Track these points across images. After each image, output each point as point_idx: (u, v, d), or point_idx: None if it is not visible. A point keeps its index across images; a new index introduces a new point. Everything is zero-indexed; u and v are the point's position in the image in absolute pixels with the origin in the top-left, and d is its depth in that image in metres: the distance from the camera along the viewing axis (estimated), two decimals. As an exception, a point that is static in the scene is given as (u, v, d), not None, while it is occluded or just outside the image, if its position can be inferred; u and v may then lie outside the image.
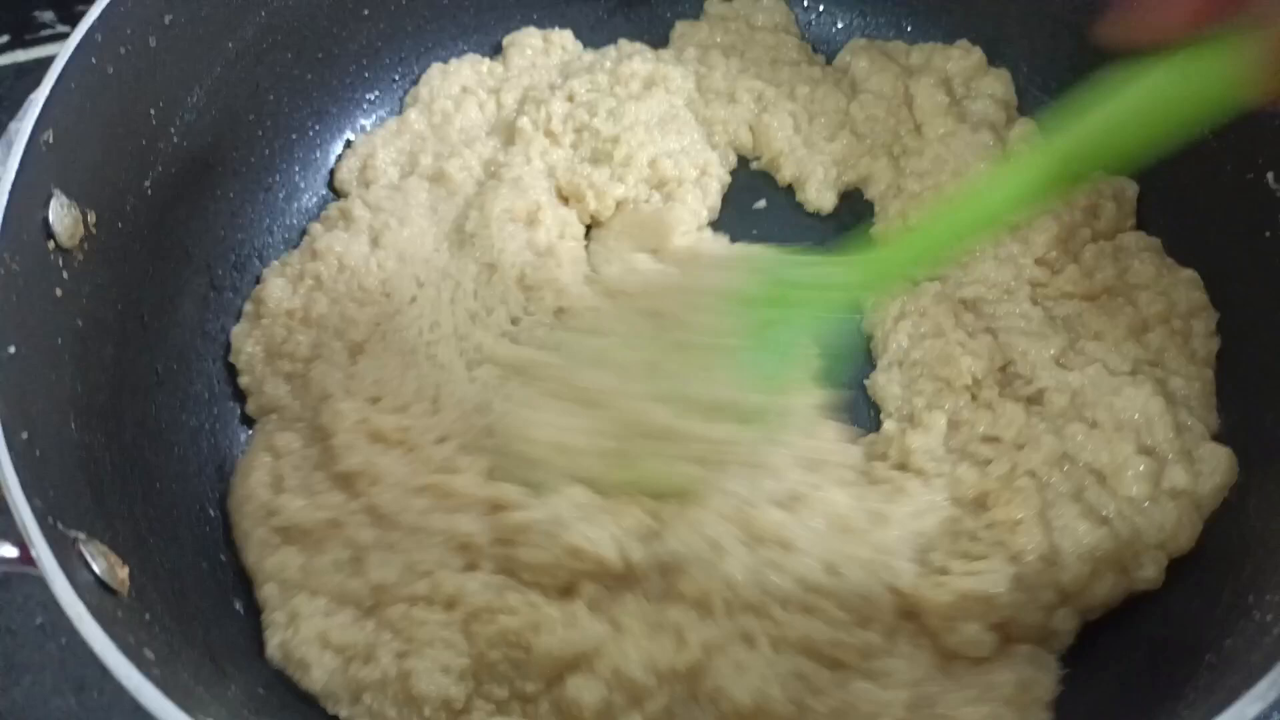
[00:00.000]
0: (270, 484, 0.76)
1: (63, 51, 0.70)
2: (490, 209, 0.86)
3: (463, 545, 0.70)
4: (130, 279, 0.77)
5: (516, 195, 0.87)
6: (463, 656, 0.66)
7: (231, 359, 0.84)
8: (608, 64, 0.97)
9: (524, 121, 0.92)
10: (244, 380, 0.84)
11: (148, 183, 0.79)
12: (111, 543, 0.60)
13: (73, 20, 1.18)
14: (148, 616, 0.59)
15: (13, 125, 1.15)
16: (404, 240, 0.87)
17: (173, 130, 0.81)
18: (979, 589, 0.65)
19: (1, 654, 0.84)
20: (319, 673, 0.67)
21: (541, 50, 1.00)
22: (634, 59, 0.97)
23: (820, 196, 0.93)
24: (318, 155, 0.97)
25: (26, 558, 0.52)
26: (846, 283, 0.69)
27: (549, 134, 0.92)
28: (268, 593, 0.72)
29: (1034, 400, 0.76)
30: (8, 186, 0.64)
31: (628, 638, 0.65)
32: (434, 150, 0.94)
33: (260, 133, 0.92)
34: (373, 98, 1.00)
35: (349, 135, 0.99)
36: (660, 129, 0.92)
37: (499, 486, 0.72)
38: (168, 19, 0.78)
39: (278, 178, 0.94)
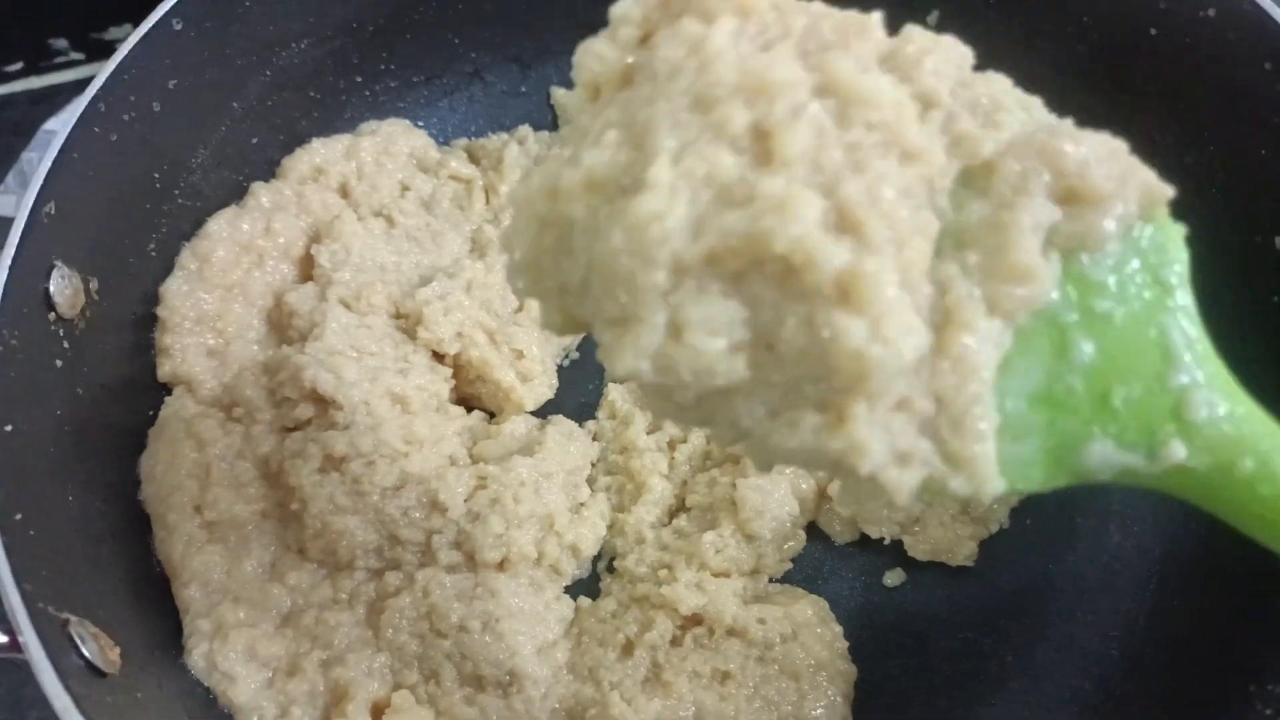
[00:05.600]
0: None
1: (54, 124, 0.71)
2: None
3: None
4: (133, 341, 0.78)
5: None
6: None
7: None
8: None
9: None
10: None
11: (152, 246, 0.80)
12: (105, 619, 0.61)
13: (86, 48, 1.21)
14: (140, 695, 0.60)
15: (25, 155, 1.19)
16: None
17: (177, 192, 0.82)
18: None
19: None
20: None
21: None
22: None
23: None
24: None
25: (15, 645, 0.53)
26: None
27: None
28: None
29: None
30: (8, 262, 0.65)
31: None
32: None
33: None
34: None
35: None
36: None
37: None
38: (172, 83, 0.78)
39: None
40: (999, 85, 0.44)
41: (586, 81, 0.44)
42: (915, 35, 0.43)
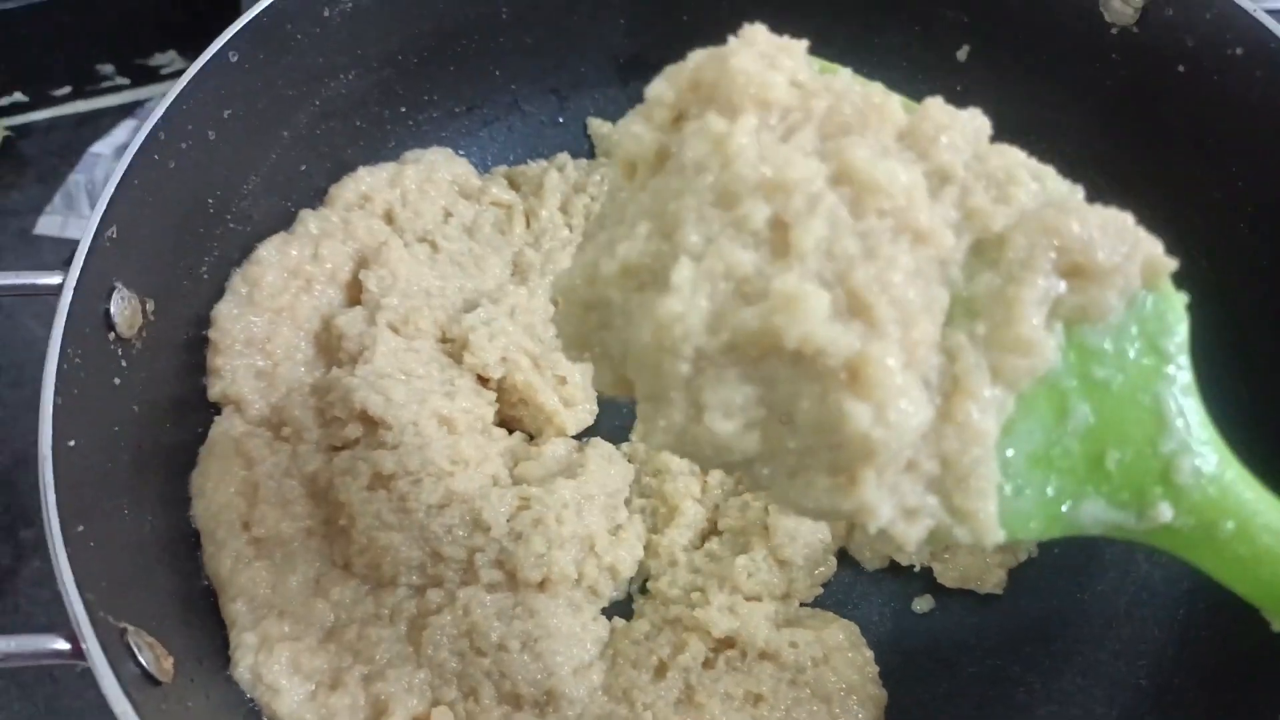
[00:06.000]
0: None
1: (128, 150, 0.73)
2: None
3: None
4: (185, 362, 0.80)
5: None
6: None
7: None
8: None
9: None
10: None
11: (204, 269, 0.82)
12: (156, 630, 0.63)
13: (132, 73, 1.25)
14: (190, 705, 0.62)
15: (72, 177, 1.22)
16: None
17: (229, 217, 0.85)
18: None
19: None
20: None
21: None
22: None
23: None
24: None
25: (78, 651, 0.55)
26: None
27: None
28: None
29: None
30: (72, 284, 0.67)
31: None
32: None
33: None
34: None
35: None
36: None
37: None
38: (227, 113, 0.81)
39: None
40: (1012, 158, 0.46)
41: (624, 160, 0.47)
42: (933, 112, 0.45)
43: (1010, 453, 0.44)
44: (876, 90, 0.46)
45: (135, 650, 0.59)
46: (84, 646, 0.55)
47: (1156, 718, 0.74)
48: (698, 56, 0.46)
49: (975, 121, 0.46)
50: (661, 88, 0.46)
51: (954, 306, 0.44)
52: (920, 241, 0.43)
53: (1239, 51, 0.75)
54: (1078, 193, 0.46)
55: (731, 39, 0.46)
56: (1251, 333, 0.78)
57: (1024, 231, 0.44)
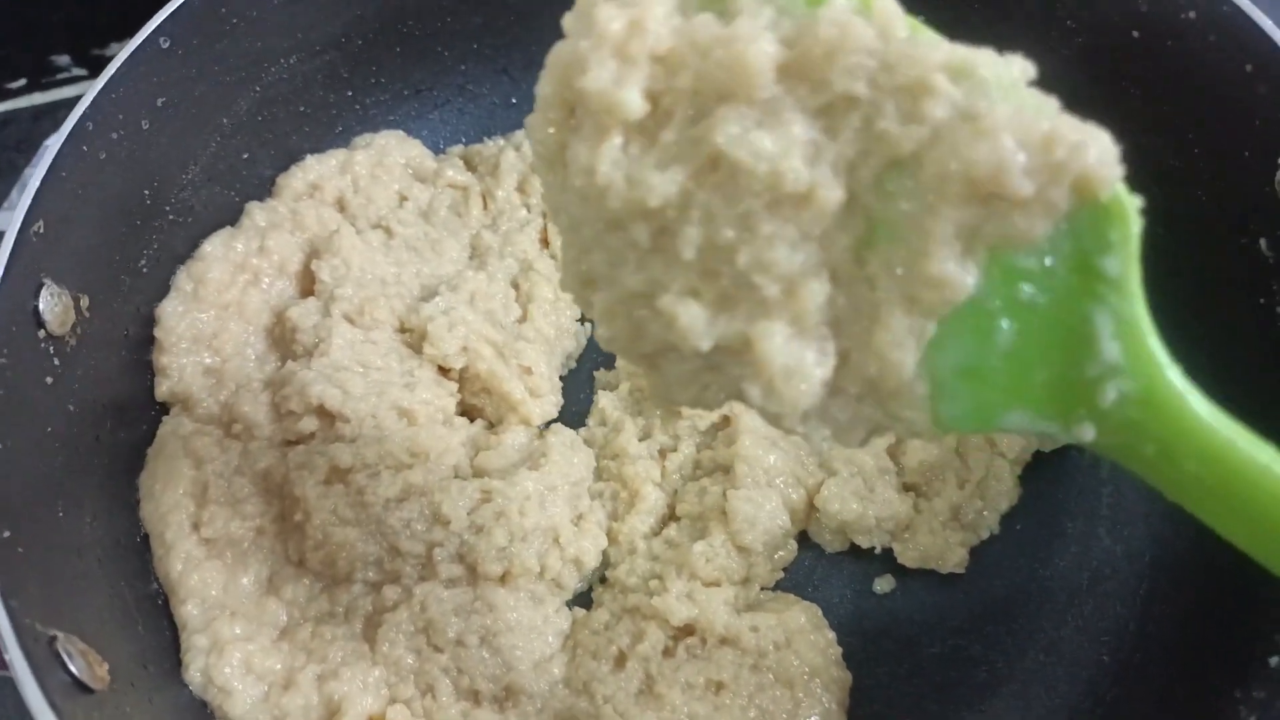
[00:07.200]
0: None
1: (53, 141, 0.71)
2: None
3: None
4: (127, 359, 0.78)
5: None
6: None
7: None
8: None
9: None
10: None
11: (143, 262, 0.80)
12: (94, 636, 0.61)
13: (89, 64, 1.22)
14: (129, 710, 0.60)
15: (27, 171, 1.20)
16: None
17: (168, 208, 0.82)
18: None
19: None
20: None
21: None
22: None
23: None
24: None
25: (0, 661, 0.53)
26: None
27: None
28: None
29: None
30: (-4, 282, 0.65)
31: None
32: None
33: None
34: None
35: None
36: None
37: None
38: (160, 101, 0.79)
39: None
40: (927, 60, 0.40)
41: (540, 156, 0.48)
42: (820, 32, 0.41)
43: (937, 366, 0.43)
44: (743, 31, 0.41)
45: (65, 658, 0.57)
46: (6, 656, 0.53)
47: (1119, 694, 0.73)
48: (558, 56, 0.45)
49: (884, 13, 0.41)
50: (544, 88, 0.46)
51: (877, 229, 0.42)
52: (803, 205, 0.42)
53: (1192, 15, 0.74)
54: (1021, 83, 0.41)
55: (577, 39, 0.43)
56: (1210, 302, 0.77)
57: (933, 160, 0.40)
